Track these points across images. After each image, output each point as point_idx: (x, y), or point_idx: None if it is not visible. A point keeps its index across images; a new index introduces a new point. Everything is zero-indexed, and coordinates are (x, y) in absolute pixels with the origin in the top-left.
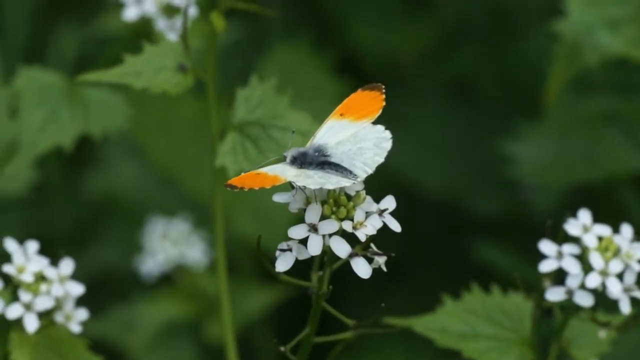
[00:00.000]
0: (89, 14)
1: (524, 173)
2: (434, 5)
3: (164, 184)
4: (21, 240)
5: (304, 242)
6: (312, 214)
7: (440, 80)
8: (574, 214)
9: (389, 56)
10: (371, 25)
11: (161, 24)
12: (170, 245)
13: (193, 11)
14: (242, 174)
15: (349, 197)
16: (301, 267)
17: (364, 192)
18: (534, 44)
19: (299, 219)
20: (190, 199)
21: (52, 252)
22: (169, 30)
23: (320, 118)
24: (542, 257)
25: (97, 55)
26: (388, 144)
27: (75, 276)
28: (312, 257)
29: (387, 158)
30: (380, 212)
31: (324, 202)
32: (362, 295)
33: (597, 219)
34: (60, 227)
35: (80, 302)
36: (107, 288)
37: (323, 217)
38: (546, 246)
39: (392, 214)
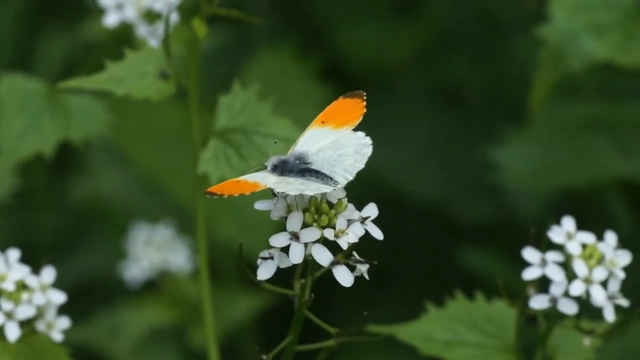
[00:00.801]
0: (76, 19)
1: (509, 179)
2: (421, 11)
3: (148, 191)
4: (5, 247)
5: (285, 250)
6: (294, 222)
7: (428, 86)
8: (559, 221)
9: (376, 61)
10: (358, 31)
11: (142, 30)
12: (154, 251)
13: (174, 17)
14: (224, 181)
15: (330, 205)
16: (285, 274)
17: (345, 199)
18: (521, 50)
19: (282, 226)
20: (173, 205)
21: (36, 259)
22: (151, 37)
23: (305, 124)
24: (526, 264)
25: (84, 61)
26: (368, 150)
27: (60, 283)
28: (295, 265)
29: (373, 164)
30: (363, 220)
31: (305, 210)
32: (348, 303)
33: (583, 225)
34: (44, 234)
35: (65, 308)
36: (91, 294)
37: (305, 225)
38: (530, 254)
39: (376, 220)
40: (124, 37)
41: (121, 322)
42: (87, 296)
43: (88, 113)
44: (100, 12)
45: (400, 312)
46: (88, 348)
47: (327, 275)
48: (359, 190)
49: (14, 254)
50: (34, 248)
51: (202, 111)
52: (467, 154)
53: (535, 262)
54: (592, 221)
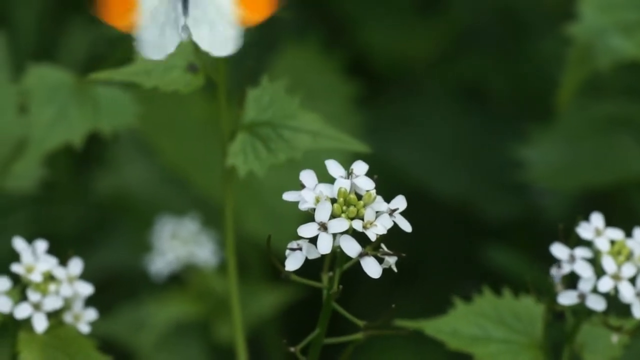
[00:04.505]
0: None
1: (534, 177)
2: (445, 7)
3: (173, 184)
4: (29, 239)
5: (313, 241)
6: (322, 212)
7: (451, 83)
8: (585, 218)
9: (400, 58)
10: (382, 27)
11: None
12: (179, 244)
13: None
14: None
15: (359, 197)
16: (311, 268)
17: (374, 191)
18: (545, 47)
19: (308, 218)
20: (198, 199)
21: (60, 251)
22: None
23: (330, 119)
24: (554, 260)
25: (107, 54)
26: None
27: (83, 275)
28: (322, 257)
29: (398, 160)
30: (391, 212)
31: (334, 201)
32: (369, 298)
33: (608, 223)
34: (68, 226)
35: (89, 301)
36: (114, 287)
37: (333, 216)
38: (559, 250)
39: (402, 214)
40: None
41: (145, 316)
42: (109, 289)
43: (116, 104)
44: None
45: (422, 308)
46: (111, 341)
47: (348, 270)
48: (383, 186)
49: (41, 245)
50: (57, 240)
51: (229, 104)
52: (492, 152)
53: (564, 258)
54: (617, 219)
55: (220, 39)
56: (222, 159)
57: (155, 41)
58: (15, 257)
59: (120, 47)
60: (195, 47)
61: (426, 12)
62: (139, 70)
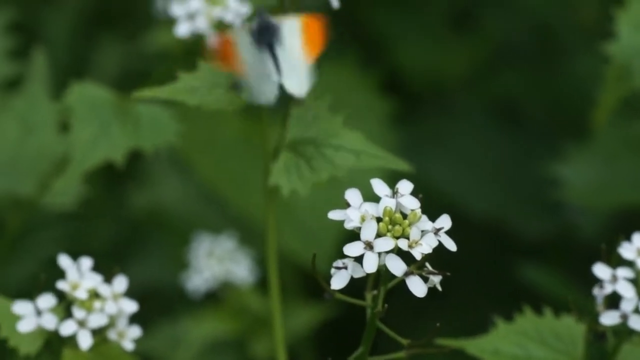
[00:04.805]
0: (131, 30)
1: (570, 195)
2: (479, 24)
3: (207, 200)
4: (65, 254)
5: (359, 259)
6: (368, 231)
7: (486, 101)
8: (623, 238)
9: (434, 76)
10: (416, 45)
11: (213, 40)
12: (216, 262)
13: None
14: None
15: (404, 216)
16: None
17: (419, 210)
18: (580, 65)
19: (347, 237)
20: (235, 217)
21: (94, 267)
22: None
23: (366, 137)
24: (589, 278)
25: (140, 71)
26: None
27: None
28: (361, 277)
29: (431, 178)
30: (436, 231)
31: (379, 220)
32: (402, 315)
33: None
34: (103, 242)
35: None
36: (149, 304)
37: (379, 235)
38: (601, 270)
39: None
40: (190, 47)
41: (182, 333)
42: (144, 306)
43: (157, 122)
44: (161, 22)
45: (456, 325)
46: (148, 357)
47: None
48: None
49: (86, 262)
50: (91, 256)
51: (269, 122)
52: (527, 170)
53: (607, 279)
54: None
55: (302, 82)
56: (263, 177)
57: (257, 88)
58: (50, 271)
59: (161, 64)
60: None
61: (460, 29)
62: (183, 88)
